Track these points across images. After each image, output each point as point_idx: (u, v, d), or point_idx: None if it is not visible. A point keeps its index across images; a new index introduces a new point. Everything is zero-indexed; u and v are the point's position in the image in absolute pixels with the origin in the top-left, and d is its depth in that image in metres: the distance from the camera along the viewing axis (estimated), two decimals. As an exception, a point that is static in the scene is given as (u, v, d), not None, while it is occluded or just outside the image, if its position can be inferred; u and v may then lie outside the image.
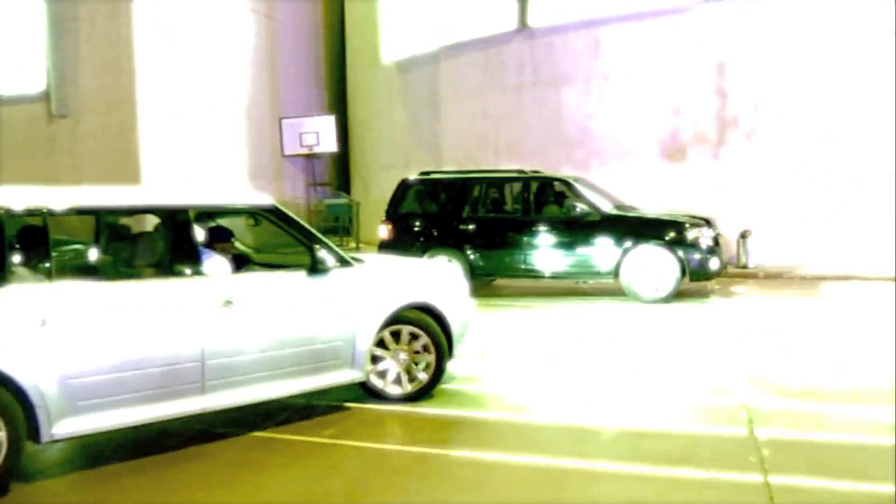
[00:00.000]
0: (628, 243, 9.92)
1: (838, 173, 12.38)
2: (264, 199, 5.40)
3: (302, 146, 19.43)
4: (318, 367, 5.18)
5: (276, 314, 4.98)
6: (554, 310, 9.78)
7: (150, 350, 4.48)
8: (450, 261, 10.04)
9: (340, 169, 21.93)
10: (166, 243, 4.92)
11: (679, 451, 4.52)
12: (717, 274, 10.23)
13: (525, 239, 10.34)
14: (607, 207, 10.30)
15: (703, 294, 10.56)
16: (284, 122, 19.48)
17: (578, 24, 14.15)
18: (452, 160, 15.38)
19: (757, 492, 3.85)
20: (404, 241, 10.85)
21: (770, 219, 12.73)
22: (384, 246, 11.09)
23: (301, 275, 5.16)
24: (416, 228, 11.08)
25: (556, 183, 10.72)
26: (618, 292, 10.18)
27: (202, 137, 16.97)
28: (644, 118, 13.75)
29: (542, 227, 10.34)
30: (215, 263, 5.07)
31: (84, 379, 4.24)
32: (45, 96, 16.47)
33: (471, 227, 10.64)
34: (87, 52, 15.88)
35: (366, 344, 5.34)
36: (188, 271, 4.76)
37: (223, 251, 5.39)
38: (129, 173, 15.47)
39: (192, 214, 4.90)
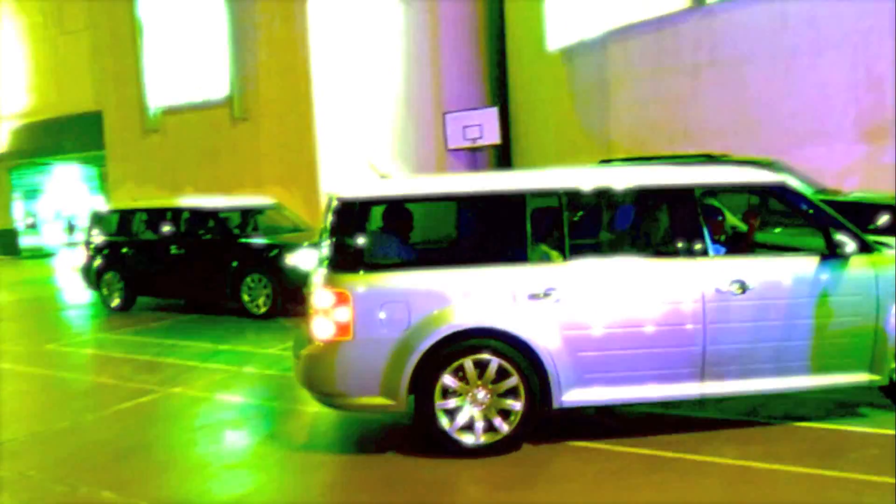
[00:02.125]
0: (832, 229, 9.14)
1: None
2: (772, 176, 5.07)
3: (465, 139, 19.45)
4: (829, 364, 4.72)
5: (785, 302, 4.65)
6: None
7: (653, 330, 4.55)
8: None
9: (504, 161, 21.82)
10: (671, 223, 4.88)
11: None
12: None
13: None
14: (806, 192, 9.53)
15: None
16: (447, 116, 19.59)
17: (762, -3, 13.24)
18: (623, 148, 14.88)
19: None
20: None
21: None
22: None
23: (814, 259, 4.72)
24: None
25: (748, 166, 10.03)
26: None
27: (372, 134, 17.37)
28: (838, 94, 12.66)
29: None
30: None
31: (591, 353, 4.54)
32: (229, 101, 17.41)
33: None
34: (266, 58, 16.64)
35: (890, 343, 4.70)
36: (693, 251, 4.69)
37: (711, 230, 5.29)
38: (306, 171, 16.08)
39: (697, 193, 4.81)
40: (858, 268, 4.71)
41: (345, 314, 4.43)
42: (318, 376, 4.61)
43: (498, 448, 4.55)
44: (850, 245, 4.70)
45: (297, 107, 16.29)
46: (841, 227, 4.77)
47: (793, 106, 13.03)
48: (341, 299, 4.44)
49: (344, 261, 4.56)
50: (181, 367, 7.70)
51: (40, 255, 26.31)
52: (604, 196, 5.17)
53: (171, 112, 18.59)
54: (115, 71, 19.47)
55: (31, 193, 38.71)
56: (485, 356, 4.47)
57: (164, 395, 6.60)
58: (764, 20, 13.31)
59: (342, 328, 4.45)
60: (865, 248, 4.77)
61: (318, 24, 16.15)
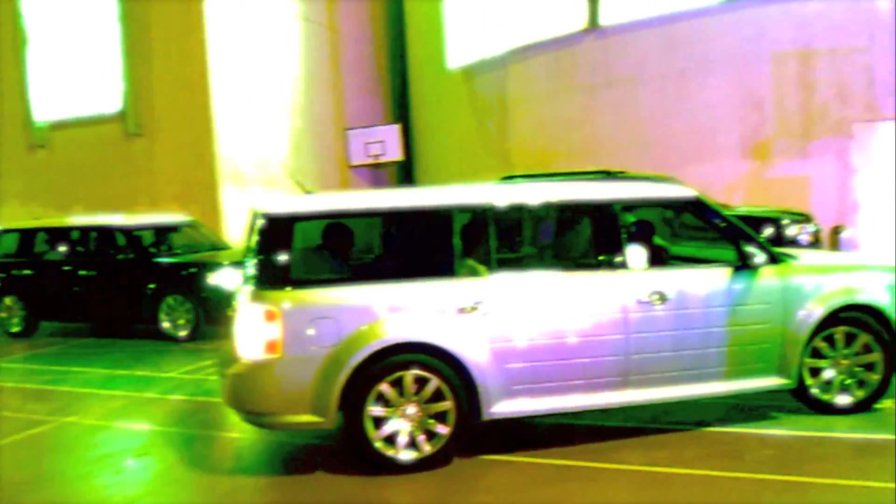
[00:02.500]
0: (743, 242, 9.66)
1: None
2: (687, 191, 5.28)
3: (367, 156, 19.46)
4: (743, 369, 4.98)
5: (701, 311, 4.87)
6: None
7: (578, 341, 4.69)
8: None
9: (406, 178, 21.92)
10: (594, 237, 5.02)
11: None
12: (820, 271, 9.82)
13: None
14: (699, 206, 10.01)
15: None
16: (350, 132, 19.54)
17: (652, 20, 13.83)
18: (523, 165, 15.18)
19: None
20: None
21: (863, 214, 12.28)
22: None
23: (727, 271, 4.98)
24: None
25: (644, 181, 10.43)
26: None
27: (273, 151, 17.11)
28: (724, 114, 13.36)
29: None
30: (635, 254, 5.16)
31: (519, 365, 4.61)
32: (122, 115, 16.77)
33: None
34: (162, 71, 16.12)
35: (797, 347, 5.02)
36: (614, 264, 4.83)
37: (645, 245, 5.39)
38: (206, 189, 15.65)
39: (616, 208, 4.97)
40: (767, 278, 4.98)
41: (273, 331, 4.37)
42: (245, 395, 4.54)
43: (426, 464, 4.55)
44: (759, 256, 4.96)
45: (196, 122, 15.85)
46: (751, 240, 5.04)
47: (683, 125, 13.65)
48: (269, 316, 4.38)
49: (271, 277, 4.51)
50: (76, 394, 7.34)
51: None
52: (529, 211, 5.27)
53: (58, 126, 17.74)
54: (-4, 83, 18.45)
55: None
56: (421, 373, 4.50)
57: (58, 426, 6.27)
58: (654, 42, 13.93)
59: (270, 345, 4.39)
60: (773, 259, 5.05)
61: (217, 38, 15.81)
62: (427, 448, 4.55)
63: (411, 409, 4.54)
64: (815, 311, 5.02)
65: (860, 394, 5.20)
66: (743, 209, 10.36)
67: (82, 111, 17.36)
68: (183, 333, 9.89)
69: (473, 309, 4.54)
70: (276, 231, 4.58)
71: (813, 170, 12.72)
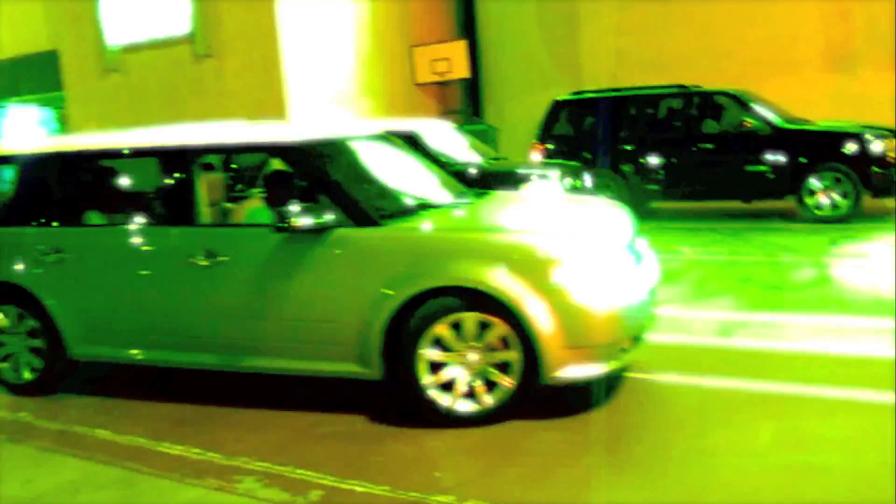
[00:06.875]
0: (804, 158, 9.28)
1: None
2: (294, 137, 4.70)
3: (434, 73, 19.22)
4: (310, 349, 4.31)
5: (249, 275, 4.42)
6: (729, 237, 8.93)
7: (144, 296, 4.74)
8: (608, 184, 9.73)
9: (472, 95, 21.65)
10: (168, 187, 4.81)
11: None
12: (905, 191, 9.40)
13: (689, 159, 9.81)
14: (778, 121, 9.64)
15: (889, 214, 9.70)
16: (415, 49, 19.30)
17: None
18: (593, 80, 14.80)
19: None
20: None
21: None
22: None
23: (275, 233, 4.25)
24: (571, 151, 10.69)
25: (720, 97, 10.08)
26: (789, 212, 9.59)
27: (339, 70, 17.09)
28: (807, 24, 12.70)
29: (708, 146, 9.81)
30: (207, 207, 4.87)
31: (92, 312, 4.90)
32: (191, 37, 16.92)
33: (629, 147, 10.20)
34: (229, -9, 16.13)
35: (375, 332, 4.04)
36: (179, 218, 4.74)
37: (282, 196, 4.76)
38: (275, 110, 15.79)
39: (192, 156, 4.71)
40: (340, 244, 4.18)
41: None
42: None
43: (30, 389, 5.10)
44: (306, 219, 4.11)
45: (264, 41, 15.90)
46: (339, 196, 4.26)
47: (762, 35, 13.03)
48: None
49: None
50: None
51: None
52: (114, 159, 5.47)
53: (131, 50, 18.03)
54: (71, 7, 18.78)
55: (-12, 136, 37.48)
56: (14, 308, 5.05)
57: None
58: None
59: None
60: (364, 221, 4.18)
61: (281, -44, 15.68)
62: (27, 375, 5.11)
63: (14, 340, 5.12)
64: (401, 286, 4.00)
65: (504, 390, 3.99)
66: (826, 124, 9.94)
67: (153, 34, 17.58)
68: None
69: (53, 254, 4.90)
70: None
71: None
